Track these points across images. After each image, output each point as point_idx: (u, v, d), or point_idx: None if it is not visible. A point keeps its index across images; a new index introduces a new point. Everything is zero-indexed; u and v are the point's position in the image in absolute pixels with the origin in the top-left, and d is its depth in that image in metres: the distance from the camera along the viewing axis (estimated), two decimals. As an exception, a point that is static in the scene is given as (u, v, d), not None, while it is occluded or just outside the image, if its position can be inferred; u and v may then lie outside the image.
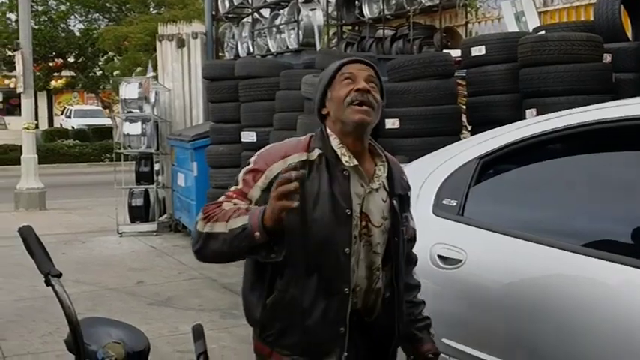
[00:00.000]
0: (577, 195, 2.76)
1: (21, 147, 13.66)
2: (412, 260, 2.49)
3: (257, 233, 1.99)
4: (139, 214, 10.48)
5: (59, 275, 1.61)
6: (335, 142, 2.24)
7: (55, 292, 1.58)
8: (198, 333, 2.11)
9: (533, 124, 2.89)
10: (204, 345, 2.08)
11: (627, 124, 2.55)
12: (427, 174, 3.10)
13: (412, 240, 2.45)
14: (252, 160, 2.24)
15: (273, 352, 2.24)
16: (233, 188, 2.20)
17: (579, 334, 2.39)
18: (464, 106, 6.58)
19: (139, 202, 10.51)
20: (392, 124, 6.25)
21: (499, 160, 2.94)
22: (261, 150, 2.29)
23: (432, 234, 2.93)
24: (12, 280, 7.34)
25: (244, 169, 2.23)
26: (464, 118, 6.56)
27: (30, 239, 1.66)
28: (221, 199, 2.19)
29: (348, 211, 2.16)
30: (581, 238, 2.56)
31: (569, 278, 2.50)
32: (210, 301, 6.36)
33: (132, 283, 7.33)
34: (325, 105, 2.29)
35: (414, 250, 2.48)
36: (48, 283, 1.60)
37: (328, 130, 2.27)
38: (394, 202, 2.28)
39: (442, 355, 2.87)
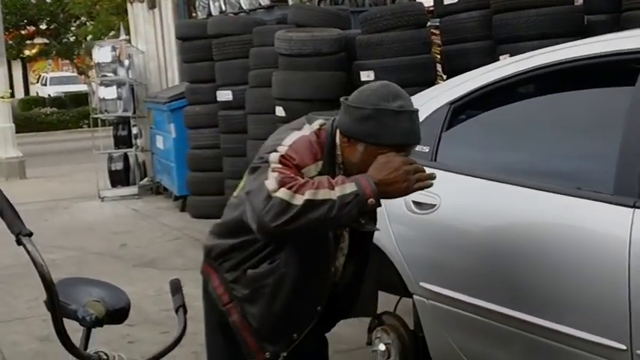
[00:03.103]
0: (548, 135, 2.79)
1: (-3, 117, 13.49)
2: None
3: (371, 200, 2.02)
4: (119, 179, 10.44)
5: (30, 234, 1.61)
6: (338, 158, 2.23)
7: (27, 251, 1.58)
8: (175, 287, 2.12)
9: (500, 68, 2.91)
10: (182, 298, 2.09)
11: (594, 62, 2.57)
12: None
13: None
14: (285, 150, 2.13)
15: (232, 304, 2.34)
16: (280, 166, 2.09)
17: (554, 272, 2.44)
18: (438, 56, 6.57)
19: (118, 166, 10.47)
20: (367, 76, 6.24)
21: (469, 105, 2.96)
22: (293, 138, 2.18)
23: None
24: (-6, 249, 7.33)
25: (279, 154, 2.13)
26: (439, 67, 6.56)
27: (-1, 200, 1.65)
28: (274, 175, 2.06)
29: (343, 232, 2.31)
30: (553, 178, 2.60)
31: (543, 217, 2.54)
32: (193, 260, 6.34)
33: (115, 246, 7.34)
34: (359, 139, 2.16)
35: None
36: (19, 242, 1.59)
37: (337, 144, 2.23)
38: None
39: (420, 298, 2.93)
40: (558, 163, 2.69)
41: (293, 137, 2.18)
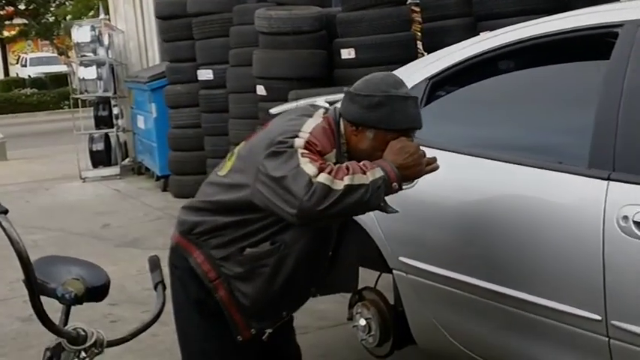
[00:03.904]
0: (524, 109, 2.81)
1: (-24, 98, 13.37)
2: None
3: (395, 184, 2.14)
4: (100, 159, 10.40)
5: (5, 212, 1.60)
6: (343, 147, 2.30)
7: (3, 227, 1.58)
8: (154, 264, 2.13)
9: (477, 43, 2.91)
10: (160, 275, 2.10)
11: (569, 36, 2.58)
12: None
13: None
14: (307, 137, 2.17)
15: (219, 280, 2.36)
16: (307, 152, 2.13)
17: (531, 245, 2.47)
18: (419, 33, 6.57)
19: (99, 146, 10.42)
20: (347, 53, 6.23)
21: (447, 80, 2.97)
22: (312, 125, 2.22)
23: (385, 157, 2.97)
24: (-25, 231, 7.29)
25: (304, 140, 2.16)
26: (420, 45, 6.56)
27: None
28: (306, 160, 2.10)
29: None
30: (529, 152, 2.62)
31: (519, 191, 2.57)
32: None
33: (97, 226, 7.33)
34: (368, 126, 2.25)
35: None
36: (-6, 219, 1.59)
37: (342, 132, 2.30)
38: None
39: (400, 273, 2.96)
40: (534, 137, 2.71)
41: (311, 124, 2.23)
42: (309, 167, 2.08)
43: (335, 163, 2.16)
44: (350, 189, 2.07)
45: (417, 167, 2.20)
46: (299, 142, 2.15)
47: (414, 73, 3.07)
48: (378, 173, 2.11)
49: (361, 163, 2.15)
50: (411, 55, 6.19)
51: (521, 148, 2.68)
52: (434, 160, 2.27)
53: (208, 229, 2.36)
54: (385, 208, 2.24)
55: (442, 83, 2.98)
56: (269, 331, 2.39)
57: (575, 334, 2.35)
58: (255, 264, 2.31)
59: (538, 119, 2.73)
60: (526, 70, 2.92)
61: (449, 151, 2.79)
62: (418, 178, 2.28)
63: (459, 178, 2.75)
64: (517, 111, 2.82)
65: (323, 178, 2.06)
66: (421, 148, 2.25)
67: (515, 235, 2.52)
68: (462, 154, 2.76)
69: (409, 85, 3.03)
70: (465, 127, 2.95)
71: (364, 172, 2.10)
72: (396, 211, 2.29)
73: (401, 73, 3.22)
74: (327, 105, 2.52)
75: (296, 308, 2.45)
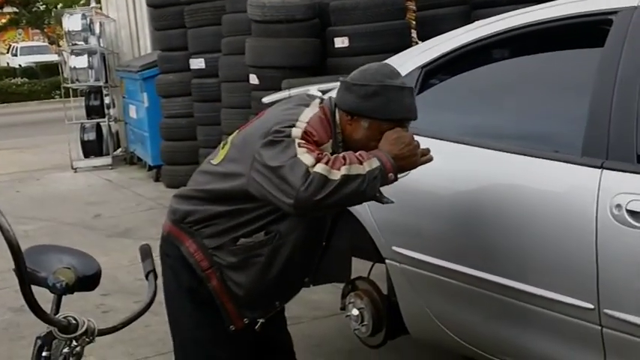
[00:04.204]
0: (518, 97, 2.79)
1: (-34, 87, 13.29)
2: None
3: (391, 174, 2.13)
4: (92, 149, 10.35)
5: (-4, 199, 1.60)
6: (339, 137, 2.29)
7: (-8, 215, 1.56)
8: (145, 253, 2.12)
9: (471, 31, 2.89)
10: (152, 264, 2.09)
11: (564, 24, 2.57)
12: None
13: None
14: (305, 126, 2.16)
15: (212, 269, 2.35)
16: (304, 142, 2.12)
17: (525, 234, 2.47)
18: (413, 22, 6.54)
19: (91, 136, 10.37)
20: (341, 42, 6.22)
21: (441, 68, 2.95)
22: (309, 115, 2.21)
23: (378, 145, 2.96)
24: (-34, 221, 7.26)
25: (302, 130, 2.15)
26: (414, 33, 6.54)
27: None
28: (303, 150, 2.09)
29: None
30: (524, 140, 2.61)
31: (513, 180, 2.56)
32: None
33: (89, 217, 7.30)
34: (363, 116, 2.24)
35: None
36: (-17, 207, 1.58)
37: (337, 122, 2.29)
38: None
39: (393, 262, 2.95)
40: (528, 125, 2.70)
41: (308, 114, 2.22)
42: (306, 157, 2.07)
43: (331, 154, 2.16)
44: (347, 179, 2.06)
45: (412, 158, 2.20)
46: (296, 131, 2.14)
47: (407, 62, 3.05)
48: (375, 163, 2.11)
49: (357, 154, 2.14)
50: (405, 44, 6.17)
51: (514, 136, 2.68)
52: (428, 151, 2.27)
53: (201, 218, 2.35)
54: (380, 199, 2.24)
55: (435, 71, 2.96)
56: (261, 321, 2.38)
57: (568, 323, 2.35)
58: (249, 254, 2.30)
59: (532, 107, 2.73)
60: (520, 57, 2.91)
61: (442, 139, 2.78)
62: (414, 168, 2.27)
63: (452, 166, 2.74)
64: (511, 99, 2.82)
65: (320, 168, 2.05)
66: (415, 138, 2.25)
67: (509, 223, 2.51)
68: (455, 142, 2.75)
69: (402, 72, 3.03)
70: (459, 115, 2.94)
71: (361, 163, 2.10)
72: (392, 202, 2.30)
73: (394, 61, 3.21)
74: (321, 94, 2.50)
75: (289, 298, 2.45)
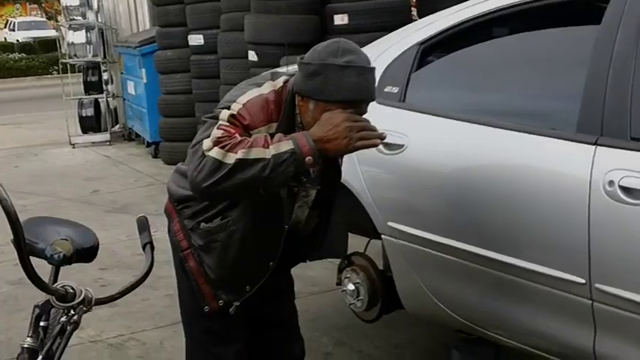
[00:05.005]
0: (515, 74, 2.80)
1: (-36, 62, 13.25)
2: None
3: (309, 158, 1.98)
4: (90, 125, 10.35)
5: (-6, 169, 1.61)
6: (297, 118, 2.16)
7: (-10, 184, 1.58)
8: (142, 225, 2.13)
9: (470, 7, 2.89)
10: (149, 236, 2.11)
11: (562, 1, 2.57)
12: (369, 63, 3.11)
13: None
14: (238, 109, 2.10)
15: (190, 250, 2.36)
16: (227, 125, 2.07)
17: (519, 210, 2.48)
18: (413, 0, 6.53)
19: (89, 112, 10.37)
20: (341, 19, 6.19)
21: (439, 45, 2.95)
22: (249, 97, 2.13)
23: (375, 122, 2.95)
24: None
25: (231, 112, 2.10)
26: (414, 11, 6.52)
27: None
28: (218, 133, 2.04)
29: (295, 189, 2.26)
30: (520, 117, 2.62)
31: (508, 156, 2.57)
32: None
33: (87, 192, 7.32)
34: (309, 97, 2.09)
35: None
36: (-17, 176, 1.60)
37: (297, 111, 2.16)
38: (339, 159, 2.37)
39: (388, 238, 2.97)
40: (525, 102, 2.71)
41: (250, 95, 2.13)
42: (207, 140, 2.02)
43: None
44: (243, 163, 1.97)
45: (340, 141, 2.00)
46: (224, 113, 2.09)
47: (404, 39, 3.05)
48: (285, 147, 1.98)
49: (276, 136, 2.04)
50: (405, 21, 6.10)
51: (510, 113, 2.68)
52: (374, 135, 2.06)
53: (178, 198, 2.37)
54: (303, 185, 2.15)
55: (433, 48, 2.96)
56: (236, 304, 2.34)
57: (559, 297, 2.38)
58: (209, 238, 2.30)
59: (528, 84, 2.73)
60: (517, 34, 2.91)
61: (438, 116, 2.79)
62: (344, 153, 2.12)
63: (449, 142, 2.76)
64: (507, 76, 2.82)
65: (214, 152, 1.99)
66: (362, 121, 2.05)
67: (503, 199, 2.53)
68: (451, 119, 2.75)
69: (399, 50, 3.04)
70: (455, 92, 2.95)
71: (267, 146, 1.99)
72: (317, 188, 2.25)
73: (391, 38, 3.23)
74: (290, 73, 2.34)
75: (257, 282, 2.34)
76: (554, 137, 2.41)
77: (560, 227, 2.35)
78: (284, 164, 1.98)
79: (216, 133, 2.04)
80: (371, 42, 3.36)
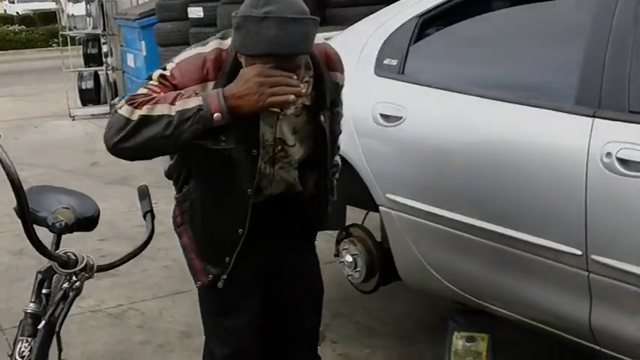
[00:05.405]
0: (513, 46, 2.79)
1: (-37, 34, 13.19)
2: (336, 151, 2.44)
3: (218, 114, 1.91)
4: (89, 97, 10.34)
5: (-4, 137, 1.63)
6: None
7: (-6, 152, 1.59)
8: (143, 193, 2.16)
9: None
10: (150, 204, 2.13)
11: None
12: (368, 35, 3.11)
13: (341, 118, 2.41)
14: (170, 68, 2.05)
15: (182, 226, 2.32)
16: (155, 84, 2.02)
17: (516, 182, 2.50)
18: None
19: (89, 84, 10.35)
20: (341, -7, 6.19)
21: (438, 17, 2.95)
22: (185, 56, 2.07)
23: (374, 94, 2.98)
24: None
25: (160, 72, 2.06)
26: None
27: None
28: (142, 91, 2.01)
29: (254, 151, 2.11)
30: (517, 89, 2.62)
31: (505, 128, 2.58)
32: (165, 179, 6.42)
33: (87, 164, 7.33)
34: (237, 51, 1.99)
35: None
36: (-15, 144, 1.61)
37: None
38: (321, 117, 2.18)
39: (386, 209, 2.99)
40: (523, 74, 2.71)
41: (186, 54, 2.08)
42: (122, 100, 2.01)
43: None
44: (146, 120, 1.92)
45: (251, 97, 1.90)
46: (156, 73, 2.06)
47: (404, 10, 3.05)
48: (193, 103, 1.92)
49: (187, 91, 1.97)
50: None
51: (508, 85, 2.68)
52: (293, 91, 1.92)
53: (166, 173, 2.37)
54: (218, 143, 2.02)
55: (433, 20, 2.96)
56: (224, 277, 2.27)
57: (556, 269, 2.41)
58: (181, 209, 2.29)
59: (527, 56, 2.73)
60: (516, 7, 2.90)
61: (438, 88, 2.80)
62: (258, 109, 1.96)
63: (446, 114, 2.76)
64: (505, 48, 2.81)
65: (123, 109, 1.95)
66: (277, 76, 1.92)
67: (501, 171, 2.54)
68: (450, 91, 2.76)
69: (398, 22, 3.04)
70: (454, 64, 2.94)
71: (173, 103, 1.93)
72: (230, 146, 2.04)
73: (390, 10, 3.22)
74: None
75: (232, 251, 2.23)
76: (552, 109, 2.42)
77: (557, 199, 2.37)
78: (189, 121, 1.91)
79: (138, 91, 2.01)
80: (370, 14, 3.36)
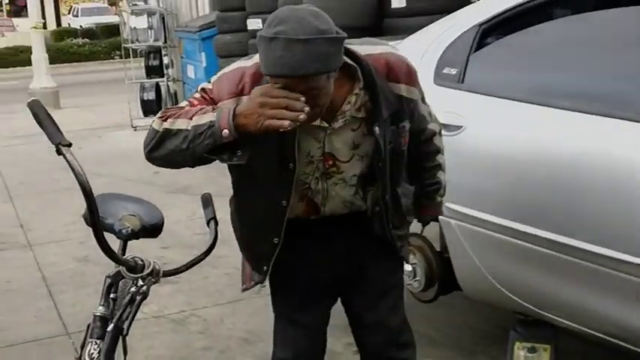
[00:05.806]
0: (576, 55, 2.76)
1: (31, 47, 13.59)
2: (434, 151, 2.39)
3: (225, 131, 1.90)
4: (151, 108, 10.53)
5: (69, 145, 1.67)
6: None
7: (67, 160, 1.64)
8: (206, 201, 2.20)
9: (532, -13, 2.87)
10: (213, 211, 2.17)
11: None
12: (427, 45, 3.12)
13: (432, 136, 2.37)
14: (213, 81, 2.10)
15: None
16: (197, 96, 2.09)
17: (579, 192, 2.47)
18: (471, -18, 6.45)
19: (150, 95, 10.55)
20: (398, 2, 6.17)
21: (499, 26, 2.93)
22: (227, 70, 2.11)
23: (433, 103, 2.96)
24: (33, 175, 7.57)
25: (202, 85, 2.11)
26: (472, -6, 6.45)
27: (39, 112, 1.70)
28: (183, 103, 2.10)
29: (291, 165, 2.09)
30: (581, 98, 2.59)
31: (569, 138, 2.55)
32: (225, 188, 6.41)
33: (149, 173, 7.43)
34: None
35: None
36: (59, 152, 1.66)
37: None
38: (376, 129, 2.10)
39: (446, 219, 2.98)
40: (586, 83, 2.68)
41: (230, 68, 2.11)
42: (164, 110, 2.07)
43: None
44: (167, 133, 1.99)
45: (252, 117, 1.88)
46: (201, 86, 2.11)
47: (463, 20, 3.04)
48: (207, 119, 1.93)
49: (208, 107, 1.99)
50: (464, 5, 6.09)
51: (571, 94, 2.65)
52: (291, 117, 1.85)
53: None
54: (229, 160, 2.02)
55: (493, 29, 2.95)
56: (262, 285, 2.32)
57: (618, 279, 2.36)
58: (230, 217, 2.36)
59: (590, 65, 2.70)
60: (580, 15, 2.87)
61: (500, 97, 2.78)
62: (258, 130, 1.89)
63: (508, 124, 2.75)
64: (568, 57, 2.78)
65: (155, 122, 2.03)
66: (281, 98, 1.87)
67: (564, 181, 2.51)
68: (511, 100, 2.74)
69: (458, 31, 3.03)
70: (515, 73, 2.93)
71: (190, 118, 1.97)
72: (242, 162, 2.00)
73: (449, 20, 3.21)
74: None
75: (269, 259, 2.24)
76: (618, 118, 2.38)
77: (621, 209, 2.33)
78: (202, 136, 1.93)
79: (180, 104, 2.08)
80: (429, 24, 3.36)
